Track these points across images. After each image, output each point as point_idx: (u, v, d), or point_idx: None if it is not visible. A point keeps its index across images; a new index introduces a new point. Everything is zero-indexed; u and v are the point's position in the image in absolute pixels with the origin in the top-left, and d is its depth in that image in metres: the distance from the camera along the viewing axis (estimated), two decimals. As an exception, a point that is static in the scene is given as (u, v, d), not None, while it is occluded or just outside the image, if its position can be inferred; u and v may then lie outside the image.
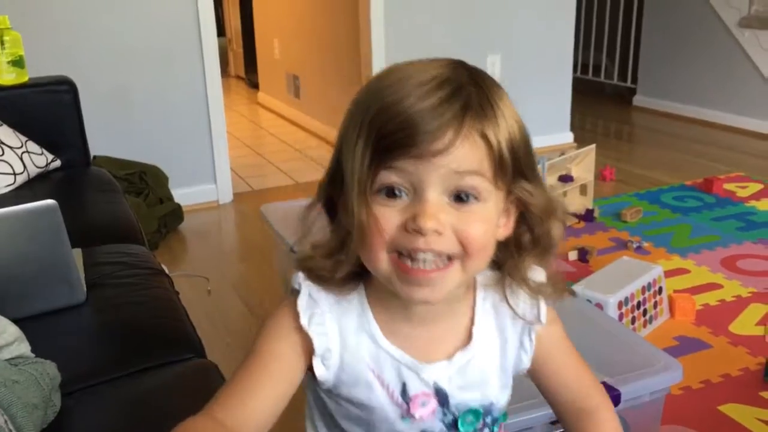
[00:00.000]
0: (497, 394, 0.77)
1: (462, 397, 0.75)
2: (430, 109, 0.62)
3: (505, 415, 0.80)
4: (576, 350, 0.83)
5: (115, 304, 1.33)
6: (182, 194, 3.06)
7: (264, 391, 0.70)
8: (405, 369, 0.72)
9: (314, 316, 0.71)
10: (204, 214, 3.17)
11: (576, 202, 2.86)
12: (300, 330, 0.70)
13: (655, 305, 2.01)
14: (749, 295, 2.21)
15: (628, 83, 5.16)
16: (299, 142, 4.35)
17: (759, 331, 2.00)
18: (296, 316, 0.70)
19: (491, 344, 0.76)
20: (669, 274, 2.27)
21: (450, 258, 0.65)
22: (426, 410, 0.73)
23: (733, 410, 1.66)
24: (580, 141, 3.80)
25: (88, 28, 2.86)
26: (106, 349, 1.23)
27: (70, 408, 1.06)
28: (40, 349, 1.10)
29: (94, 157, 2.61)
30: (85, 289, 1.33)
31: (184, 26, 3.03)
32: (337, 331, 0.72)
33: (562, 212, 0.73)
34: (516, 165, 0.66)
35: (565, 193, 2.79)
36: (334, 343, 0.71)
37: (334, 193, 0.69)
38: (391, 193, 0.64)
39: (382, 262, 0.66)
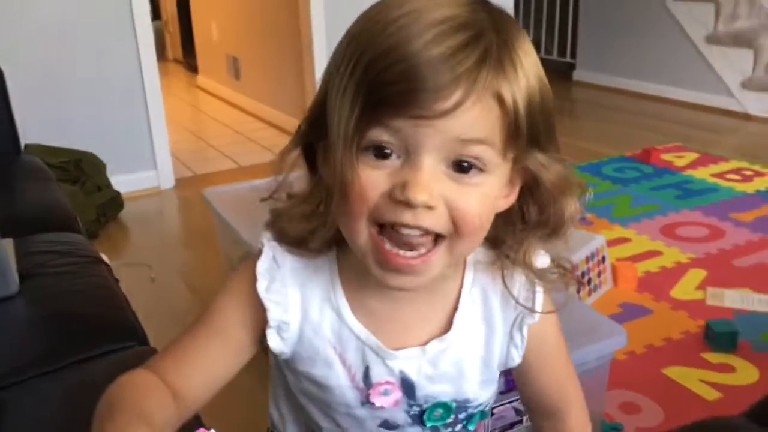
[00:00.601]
0: (476, 390, 0.69)
1: (432, 389, 0.66)
2: (439, 59, 0.50)
3: (484, 413, 0.73)
4: (567, 353, 0.75)
5: (49, 294, 1.28)
6: (121, 181, 2.97)
7: (210, 353, 0.64)
8: (370, 352, 0.64)
9: (274, 282, 0.63)
10: (145, 201, 3.09)
11: (520, 176, 2.89)
12: (256, 296, 0.63)
13: (599, 274, 2.05)
14: (688, 260, 2.27)
15: (568, 58, 5.23)
16: (241, 124, 4.28)
17: (699, 295, 2.06)
18: (254, 278, 0.63)
19: (474, 335, 0.67)
20: (611, 243, 2.31)
21: (437, 238, 0.56)
22: (388, 399, 0.66)
23: (676, 373, 1.70)
24: (523, 116, 3.83)
25: (12, 9, 2.74)
26: (41, 340, 1.18)
27: (5, 402, 1.01)
28: (-30, 343, 1.05)
29: (26, 146, 2.51)
30: (17, 279, 1.28)
31: (116, 7, 2.93)
32: (299, 302, 0.64)
33: (579, 188, 0.62)
34: (532, 132, 0.56)
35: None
36: (294, 315, 0.64)
37: (314, 139, 0.59)
38: (380, 152, 0.54)
39: (360, 234, 0.56)
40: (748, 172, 3.04)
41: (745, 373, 1.69)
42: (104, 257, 1.61)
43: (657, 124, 3.93)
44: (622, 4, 4.59)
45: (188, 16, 5.50)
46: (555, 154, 0.59)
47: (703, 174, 3.06)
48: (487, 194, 0.56)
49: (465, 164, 0.54)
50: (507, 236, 0.64)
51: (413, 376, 0.65)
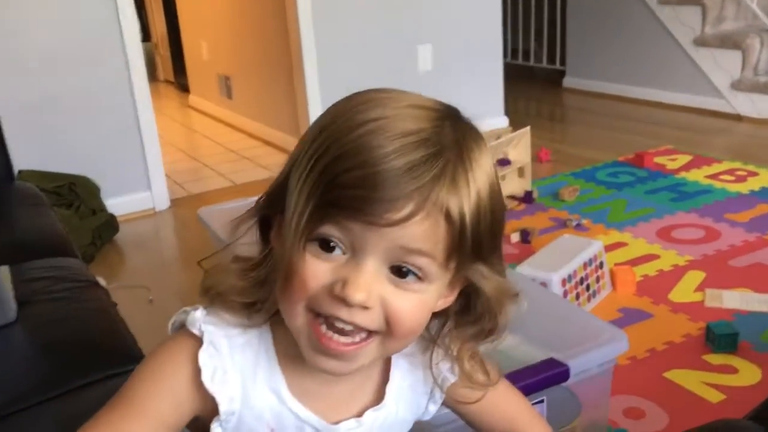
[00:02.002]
0: None
1: None
2: (398, 172, 0.53)
3: None
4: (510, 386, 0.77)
5: (48, 321, 1.28)
6: (116, 204, 2.97)
7: None
8: (309, 429, 0.65)
9: (217, 371, 0.62)
10: (140, 223, 3.08)
11: (515, 184, 2.89)
12: (197, 386, 0.62)
13: (598, 279, 2.05)
14: (686, 263, 2.27)
15: (557, 65, 5.25)
16: (234, 143, 4.28)
17: (698, 297, 2.06)
18: (195, 367, 0.61)
19: (404, 401, 0.71)
20: (608, 248, 2.31)
21: (370, 333, 0.58)
22: None
23: (678, 376, 1.70)
24: (515, 125, 3.83)
25: (1, 36, 2.74)
26: (41, 367, 1.17)
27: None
28: (-31, 373, 1.05)
29: (20, 171, 2.51)
30: (15, 307, 1.27)
31: (105, 30, 2.93)
32: (240, 387, 0.63)
33: (515, 297, 0.64)
34: (475, 246, 0.58)
35: (503, 177, 2.82)
36: (236, 402, 0.63)
37: (272, 212, 0.62)
38: (326, 245, 0.56)
39: (297, 317, 0.58)
40: (741, 173, 3.05)
41: (747, 374, 1.68)
42: (101, 281, 1.60)
43: (648, 128, 3.95)
44: (610, 10, 4.62)
45: (178, 37, 5.51)
46: (498, 264, 0.62)
47: (697, 176, 3.07)
48: (425, 301, 0.59)
49: (404, 269, 0.56)
50: (441, 320, 0.66)
51: None
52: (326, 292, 0.56)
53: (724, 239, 2.42)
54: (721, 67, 4.01)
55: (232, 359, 0.63)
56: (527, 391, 1.18)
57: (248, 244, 0.65)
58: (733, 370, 1.70)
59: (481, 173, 0.57)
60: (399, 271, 0.56)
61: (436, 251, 0.56)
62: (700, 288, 2.10)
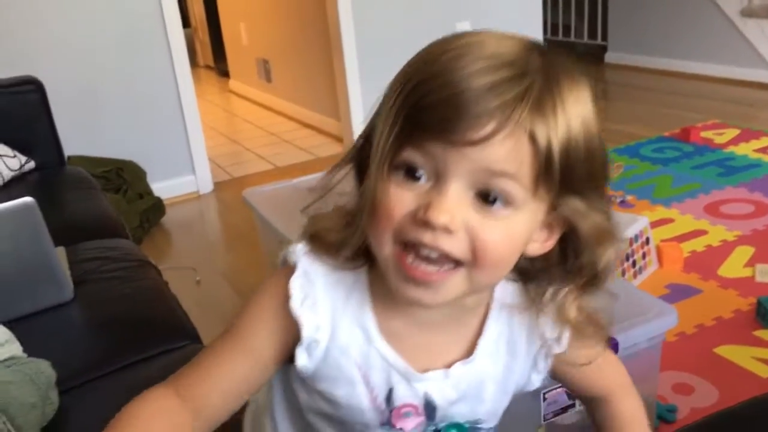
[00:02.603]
0: (488, 413, 0.70)
1: (450, 411, 0.67)
2: (478, 91, 0.52)
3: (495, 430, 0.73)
4: (609, 354, 0.75)
5: (103, 299, 1.32)
6: (162, 187, 3.02)
7: (234, 372, 0.63)
8: (396, 374, 0.64)
9: (307, 298, 0.63)
10: (186, 206, 3.14)
11: (557, 161, 2.86)
12: (287, 312, 0.62)
13: (644, 256, 2.02)
14: (735, 238, 2.23)
15: (599, 41, 5.16)
16: (275, 126, 4.32)
17: (748, 272, 2.02)
18: (286, 294, 0.62)
19: (497, 360, 0.68)
20: (654, 224, 2.28)
21: (457, 263, 0.56)
22: (409, 422, 0.66)
23: (728, 351, 1.67)
24: (556, 102, 3.79)
25: (47, 26, 2.80)
26: (99, 343, 1.21)
27: (68, 405, 1.04)
28: (31, 349, 1.09)
29: (69, 157, 2.57)
30: (72, 286, 1.31)
31: (148, 18, 2.97)
32: (329, 319, 0.63)
33: (617, 241, 0.61)
34: (567, 176, 0.55)
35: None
36: (324, 333, 0.63)
37: (365, 156, 0.60)
38: (410, 173, 0.55)
39: (385, 247, 0.57)
40: (792, 146, 2.97)
41: (800, 349, 1.65)
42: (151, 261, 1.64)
43: (694, 102, 3.86)
44: (653, -18, 4.51)
45: (217, 22, 5.56)
46: (598, 202, 0.59)
47: (745, 150, 2.99)
48: (513, 231, 0.56)
49: (491, 196, 0.54)
50: (544, 281, 0.64)
51: (437, 399, 0.66)
52: (411, 219, 0.55)
53: (774, 214, 2.37)
54: (770, 37, 3.89)
55: (324, 291, 0.63)
56: (575, 365, 1.18)
57: (346, 194, 0.64)
58: (785, 346, 1.67)
59: (572, 103, 0.55)
60: (485, 198, 0.54)
61: (520, 173, 0.54)
62: (750, 263, 2.06)
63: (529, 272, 0.64)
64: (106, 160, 2.82)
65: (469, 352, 0.66)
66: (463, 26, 3.61)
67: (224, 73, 5.79)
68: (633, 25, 4.75)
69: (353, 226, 0.61)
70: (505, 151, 0.53)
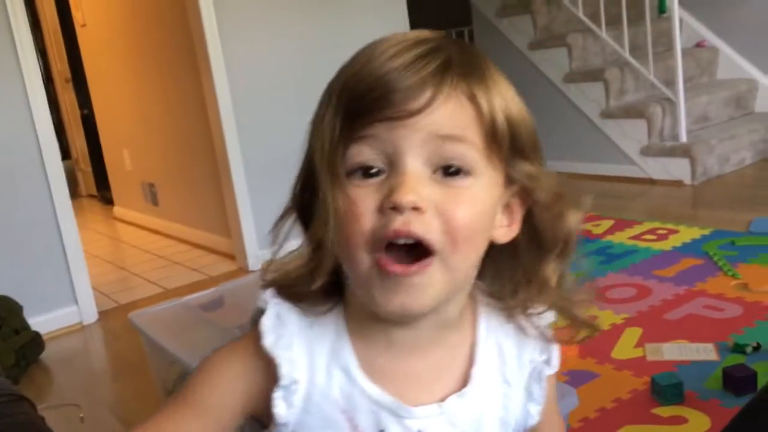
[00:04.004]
0: None
1: None
2: (404, 66, 0.53)
3: None
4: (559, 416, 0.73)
5: (-31, 443, 1.18)
6: (40, 321, 2.83)
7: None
8: (384, 413, 0.59)
9: (281, 338, 0.59)
10: (68, 339, 2.94)
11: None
12: (256, 356, 0.58)
13: (541, 345, 2.05)
14: (623, 321, 2.31)
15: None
16: (164, 249, 4.20)
17: (639, 352, 2.08)
18: (254, 341, 0.58)
19: (493, 390, 0.64)
20: (547, 314, 2.33)
21: (430, 255, 0.54)
22: None
23: None
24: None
25: None
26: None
27: None
28: None
29: (-67, 296, 2.38)
30: (-71, 431, 1.17)
31: (23, 151, 2.89)
32: (306, 362, 0.59)
33: (572, 202, 0.63)
34: (514, 140, 0.56)
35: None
36: (302, 375, 0.59)
37: (307, 199, 0.58)
38: (366, 171, 0.54)
39: (362, 262, 0.55)
40: (662, 231, 3.17)
41: (697, 423, 1.69)
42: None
43: (569, 198, 4.08)
44: (520, 91, 4.81)
45: (99, 151, 5.46)
46: (543, 168, 0.60)
47: (621, 238, 3.17)
48: (477, 200, 0.56)
49: (451, 168, 0.54)
50: (518, 272, 0.62)
51: None
52: (379, 215, 0.54)
53: (655, 295, 2.48)
54: (629, 135, 4.23)
55: (299, 333, 0.60)
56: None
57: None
58: (683, 420, 1.71)
59: (494, 72, 0.57)
60: (445, 171, 0.54)
61: (469, 135, 0.54)
62: (640, 343, 2.13)
63: (502, 273, 0.63)
64: (-23, 296, 2.62)
65: (464, 382, 0.63)
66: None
67: (108, 201, 5.64)
68: (507, 132, 5.05)
69: (318, 255, 0.58)
70: (448, 113, 0.53)
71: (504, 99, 0.57)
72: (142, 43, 4.19)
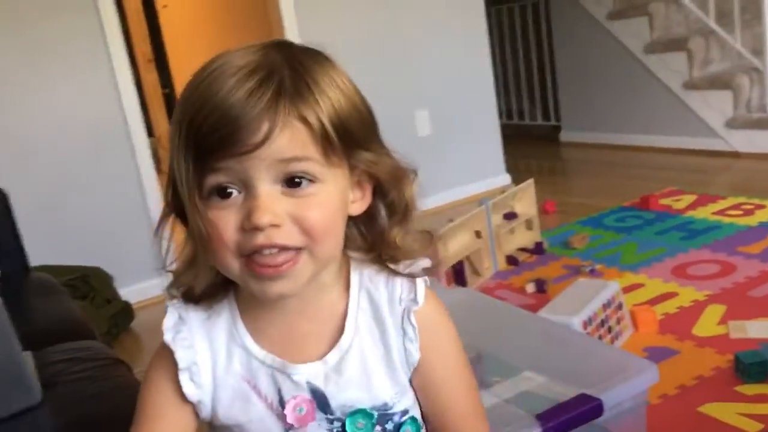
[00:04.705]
0: (390, 393, 0.70)
1: (345, 396, 0.69)
2: (242, 102, 0.59)
3: (415, 422, 0.73)
4: (467, 361, 0.76)
5: (73, 401, 1.27)
6: (130, 291, 2.98)
7: None
8: (277, 373, 0.69)
9: (180, 332, 0.69)
10: (156, 309, 3.07)
11: (524, 237, 2.90)
12: (170, 353, 0.68)
13: (618, 321, 2.03)
14: (705, 298, 2.25)
15: (552, 122, 5.34)
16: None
17: (722, 330, 2.03)
18: (167, 351, 0.69)
19: (369, 336, 0.71)
20: (625, 290, 2.29)
21: (297, 250, 0.62)
22: (303, 416, 0.68)
23: (713, 409, 1.66)
24: (518, 181, 3.87)
25: (11, 134, 2.82)
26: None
27: None
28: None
29: (33, 268, 2.52)
30: (39, 388, 1.26)
31: (112, 127, 3.02)
32: (208, 348, 0.69)
33: (411, 174, 0.71)
34: (347, 138, 0.63)
35: (512, 230, 2.83)
36: (204, 360, 0.69)
37: (179, 203, 0.66)
38: (223, 193, 0.62)
39: (233, 266, 0.63)
40: (747, 206, 3.06)
41: (782, 401, 1.65)
42: (122, 362, 1.60)
43: (649, 172, 3.98)
44: (597, 63, 4.73)
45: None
46: (381, 150, 0.68)
47: (704, 213, 3.07)
48: (325, 201, 0.63)
49: (296, 179, 0.62)
50: (376, 235, 0.71)
51: (321, 384, 0.69)
52: (241, 231, 0.61)
53: (740, 271, 2.41)
54: (713, 107, 4.07)
55: (199, 327, 0.70)
56: (562, 429, 1.16)
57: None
58: (768, 399, 1.67)
59: (323, 79, 0.63)
60: (291, 183, 0.61)
61: (308, 153, 0.61)
62: (723, 321, 2.08)
63: (365, 236, 0.72)
64: (72, 268, 2.77)
65: (339, 334, 0.70)
66: (423, 114, 3.73)
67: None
68: (583, 105, 4.95)
69: (195, 266, 0.67)
70: (286, 140, 0.60)
71: (331, 101, 0.62)
72: (221, 23, 4.29)
